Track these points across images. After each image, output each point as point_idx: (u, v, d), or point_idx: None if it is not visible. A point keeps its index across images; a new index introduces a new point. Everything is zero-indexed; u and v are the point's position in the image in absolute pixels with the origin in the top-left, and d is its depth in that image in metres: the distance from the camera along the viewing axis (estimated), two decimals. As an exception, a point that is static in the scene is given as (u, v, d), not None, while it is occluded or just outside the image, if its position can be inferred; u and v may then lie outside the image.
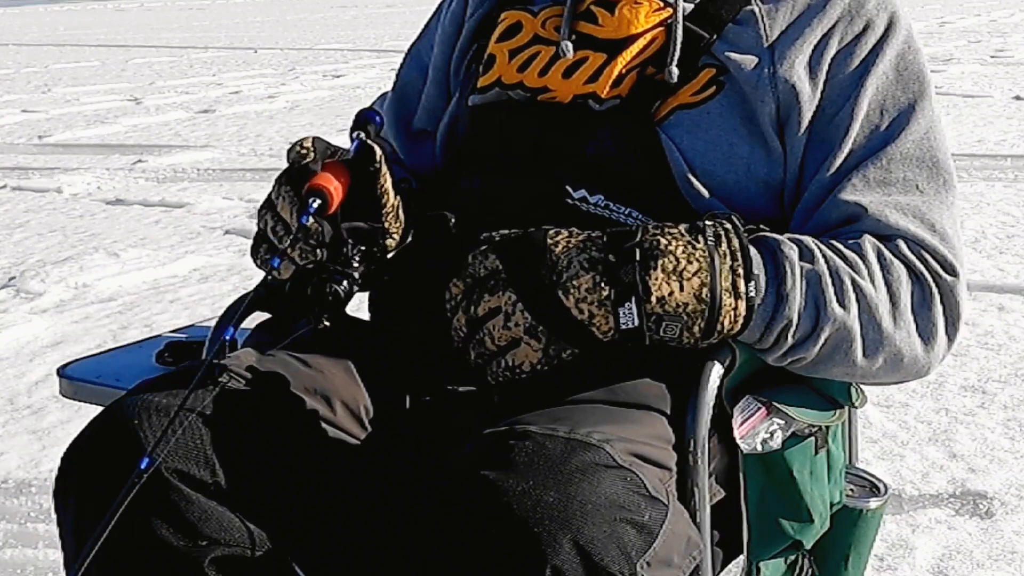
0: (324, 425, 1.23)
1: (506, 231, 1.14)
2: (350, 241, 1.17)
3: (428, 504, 1.04)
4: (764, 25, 1.28)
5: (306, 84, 11.77)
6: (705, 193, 1.24)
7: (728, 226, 1.12)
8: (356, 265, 1.17)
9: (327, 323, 1.16)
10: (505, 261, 1.10)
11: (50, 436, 2.86)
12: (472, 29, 1.45)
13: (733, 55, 1.27)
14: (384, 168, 1.19)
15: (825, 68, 1.25)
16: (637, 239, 1.09)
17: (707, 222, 1.12)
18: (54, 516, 1.17)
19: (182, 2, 42.96)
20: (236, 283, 4.18)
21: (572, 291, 1.08)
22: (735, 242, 1.11)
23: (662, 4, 1.31)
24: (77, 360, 1.73)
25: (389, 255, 1.26)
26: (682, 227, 1.11)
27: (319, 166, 1.16)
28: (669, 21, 1.30)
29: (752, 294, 1.10)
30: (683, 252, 1.09)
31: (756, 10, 1.29)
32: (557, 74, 1.32)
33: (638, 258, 1.08)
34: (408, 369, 1.31)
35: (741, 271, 1.10)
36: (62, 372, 1.68)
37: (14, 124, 9.36)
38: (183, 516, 1.10)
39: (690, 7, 1.30)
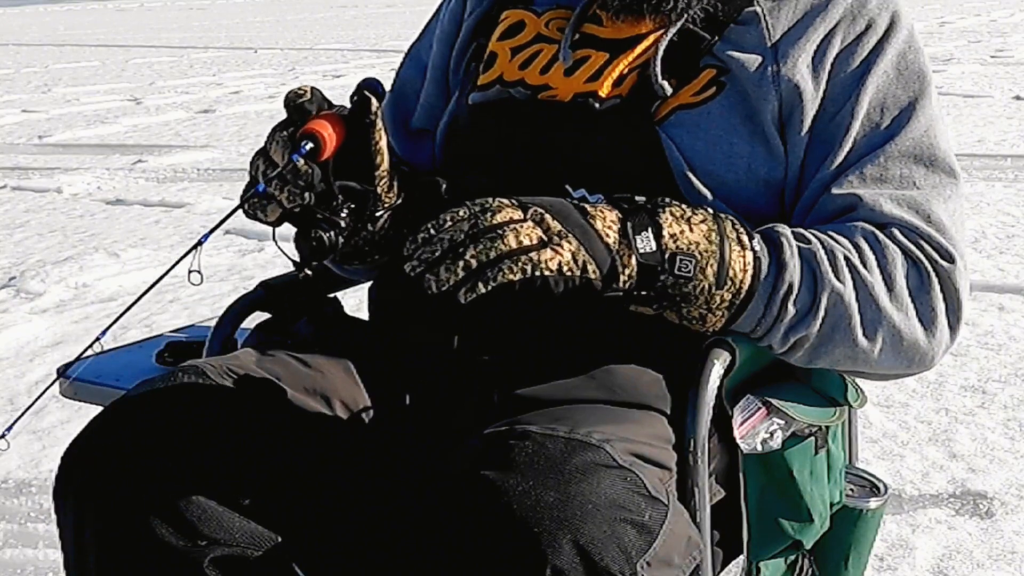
0: (324, 425, 1.23)
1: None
2: (340, 196, 1.15)
3: (428, 504, 1.04)
4: (767, 25, 1.28)
5: (306, 84, 11.75)
6: (705, 192, 1.24)
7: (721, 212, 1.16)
8: (344, 216, 1.15)
9: (309, 272, 1.14)
10: (518, 199, 1.07)
11: (50, 436, 2.86)
12: (471, 27, 1.45)
13: (736, 54, 1.27)
14: (380, 125, 1.18)
15: (827, 67, 1.26)
16: (644, 199, 1.11)
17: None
18: (54, 516, 1.17)
19: (182, 2, 42.97)
20: (236, 283, 4.17)
21: (599, 218, 1.07)
22: (731, 216, 1.14)
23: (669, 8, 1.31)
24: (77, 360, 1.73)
25: (379, 221, 1.24)
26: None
27: (314, 108, 1.14)
28: (674, 24, 1.29)
29: (757, 248, 1.12)
30: (687, 206, 1.12)
31: (759, 10, 1.29)
32: (558, 72, 1.32)
33: (648, 207, 1.10)
34: (408, 369, 1.31)
35: (743, 229, 1.13)
36: (62, 372, 1.68)
37: (14, 124, 9.36)
38: (183, 516, 1.10)
39: (693, 12, 1.30)
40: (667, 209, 1.10)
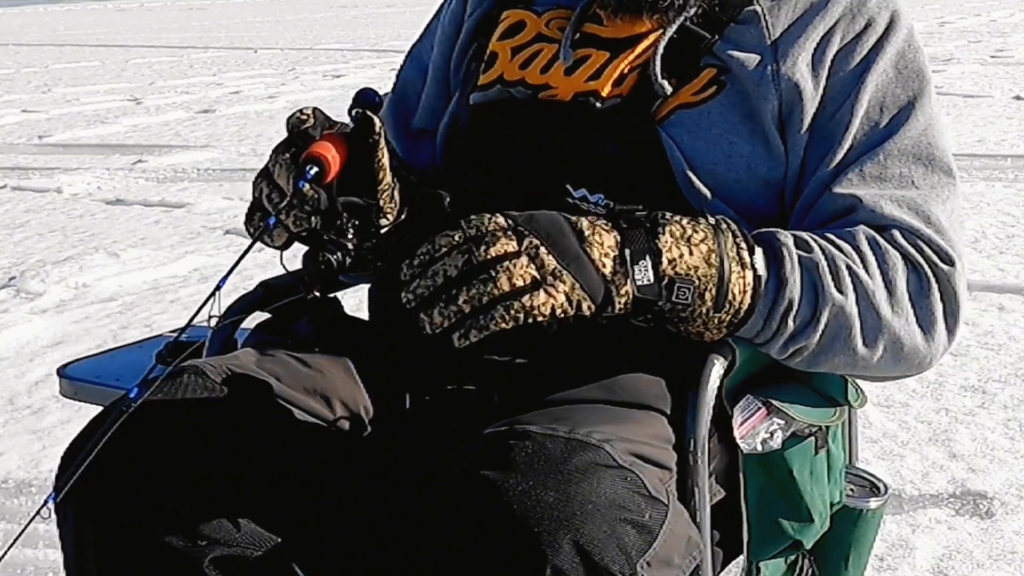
0: (324, 425, 1.23)
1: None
2: (345, 214, 1.16)
3: (428, 504, 1.04)
4: (767, 24, 1.28)
5: (306, 84, 11.77)
6: (706, 192, 1.24)
7: (721, 217, 1.13)
8: (350, 237, 1.15)
9: (317, 293, 1.15)
10: (515, 219, 1.04)
11: (50, 436, 2.86)
12: (472, 28, 1.45)
13: (736, 53, 1.27)
14: (382, 142, 1.18)
15: (827, 65, 1.26)
16: (645, 213, 1.09)
17: (703, 213, 1.13)
18: (54, 516, 1.17)
19: (182, 2, 42.97)
20: (236, 283, 4.13)
21: (596, 246, 1.04)
22: (733, 225, 1.12)
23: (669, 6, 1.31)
24: (77, 360, 1.74)
25: (383, 231, 1.24)
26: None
27: (318, 133, 1.15)
28: (674, 24, 1.29)
29: (758, 265, 1.10)
30: (688, 223, 1.09)
31: (758, 9, 1.29)
32: (559, 71, 1.32)
33: (647, 225, 1.07)
34: (408, 369, 1.31)
35: (744, 244, 1.11)
36: (62, 372, 1.68)
37: (14, 124, 9.36)
38: (183, 516, 1.10)
39: (692, 11, 1.30)
40: (667, 228, 1.08)
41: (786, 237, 1.15)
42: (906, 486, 2.42)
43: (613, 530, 0.98)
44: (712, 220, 1.11)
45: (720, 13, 1.30)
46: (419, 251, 1.02)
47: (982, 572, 2.11)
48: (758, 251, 1.12)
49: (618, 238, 1.06)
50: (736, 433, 1.19)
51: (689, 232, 1.08)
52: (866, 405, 1.50)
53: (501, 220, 1.03)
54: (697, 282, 1.07)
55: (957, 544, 2.20)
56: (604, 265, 1.04)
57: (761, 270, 1.11)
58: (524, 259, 1.01)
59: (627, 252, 1.05)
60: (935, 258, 1.19)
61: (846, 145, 1.23)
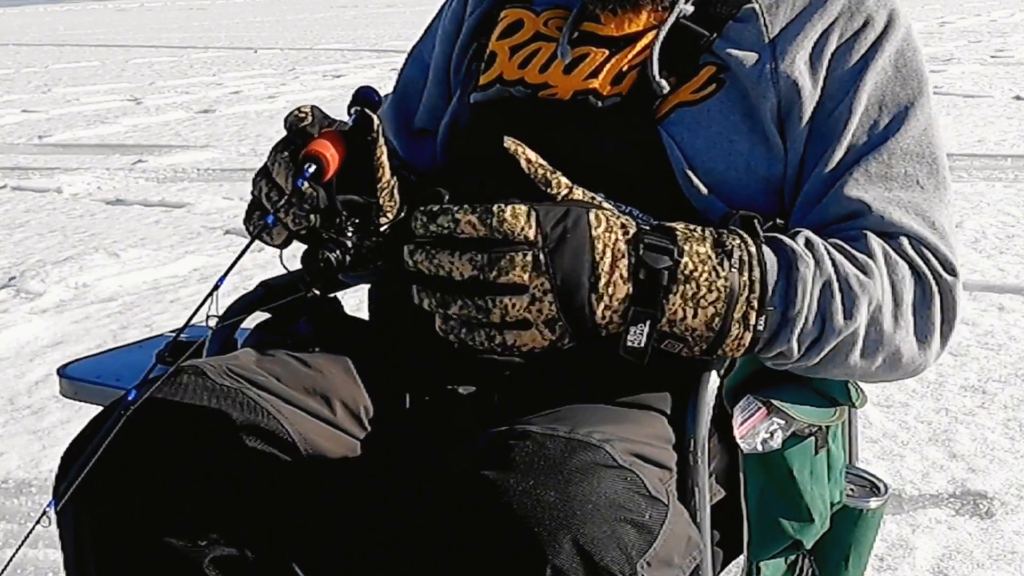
0: (324, 425, 1.23)
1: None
2: (344, 213, 1.16)
3: (428, 504, 1.04)
4: (765, 22, 1.28)
5: (306, 84, 11.78)
6: (705, 191, 1.24)
7: (752, 250, 1.07)
8: (349, 235, 1.16)
9: (317, 291, 1.15)
10: (545, 237, 1.00)
11: (50, 436, 2.86)
12: (472, 27, 1.45)
13: (734, 52, 1.27)
14: (381, 140, 1.18)
15: (825, 63, 1.26)
16: (669, 263, 1.04)
17: (735, 241, 1.07)
18: (54, 516, 1.17)
19: (182, 2, 42.98)
20: (236, 283, 4.14)
21: (605, 299, 1.02)
22: (756, 272, 1.07)
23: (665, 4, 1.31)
24: (77, 360, 1.74)
25: (383, 229, 1.24)
26: (709, 244, 1.06)
27: (316, 130, 1.15)
28: (668, 21, 1.30)
29: (760, 328, 1.07)
30: (706, 280, 1.05)
31: (757, 7, 1.29)
32: (558, 70, 1.32)
33: (664, 282, 1.04)
34: (408, 369, 1.31)
35: (756, 304, 1.07)
36: (62, 372, 1.68)
37: (14, 124, 9.36)
38: (183, 516, 1.10)
39: (691, 9, 1.30)
40: (681, 288, 1.04)
41: (805, 267, 1.10)
42: (906, 486, 2.43)
43: (613, 530, 0.98)
44: (737, 262, 1.06)
45: (718, 11, 1.30)
46: (440, 217, 0.99)
47: (982, 572, 2.11)
48: (769, 308, 1.08)
49: (630, 291, 1.03)
50: (736, 433, 1.19)
51: (703, 292, 1.04)
52: (866, 405, 1.50)
53: (531, 233, 0.99)
54: (690, 340, 1.06)
55: (957, 544, 2.20)
56: (603, 318, 1.03)
57: (764, 334, 1.08)
58: (526, 299, 1.00)
59: (631, 312, 1.03)
60: (939, 268, 1.19)
61: (845, 143, 1.23)
